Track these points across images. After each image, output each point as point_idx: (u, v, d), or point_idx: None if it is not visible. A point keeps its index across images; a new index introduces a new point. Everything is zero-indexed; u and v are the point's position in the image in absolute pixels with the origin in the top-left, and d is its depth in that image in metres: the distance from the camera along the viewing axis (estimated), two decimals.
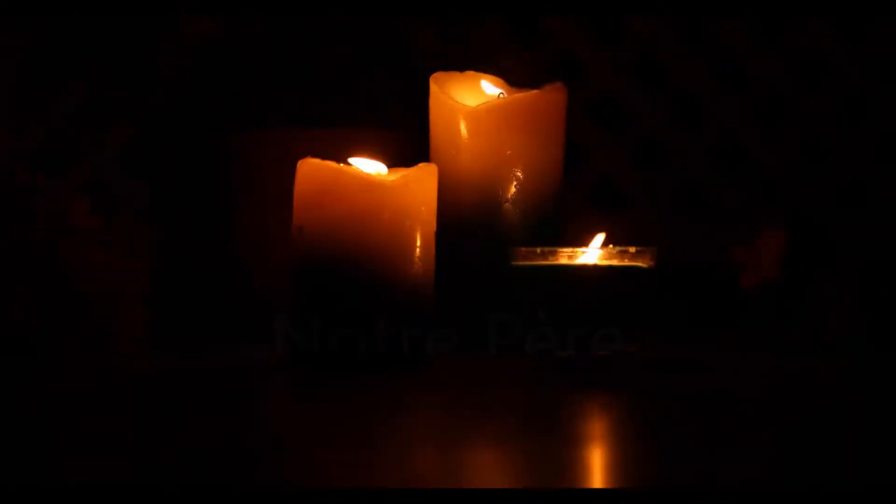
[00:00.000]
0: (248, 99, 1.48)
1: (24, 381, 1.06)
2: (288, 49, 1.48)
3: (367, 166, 1.11)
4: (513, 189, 1.21)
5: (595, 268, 1.08)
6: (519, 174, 1.21)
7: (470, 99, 1.24)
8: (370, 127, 1.45)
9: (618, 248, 1.09)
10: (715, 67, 1.63)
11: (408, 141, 1.40)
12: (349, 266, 1.07)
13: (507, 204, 1.21)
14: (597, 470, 0.71)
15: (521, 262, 1.10)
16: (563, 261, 1.09)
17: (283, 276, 1.15)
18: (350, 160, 1.11)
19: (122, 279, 1.22)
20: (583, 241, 1.10)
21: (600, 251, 1.09)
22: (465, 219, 1.21)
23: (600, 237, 1.09)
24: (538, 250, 1.10)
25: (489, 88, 1.25)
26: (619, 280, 1.08)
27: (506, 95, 1.24)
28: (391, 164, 1.12)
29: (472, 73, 1.26)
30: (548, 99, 1.22)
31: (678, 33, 1.63)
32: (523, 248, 1.11)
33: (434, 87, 1.23)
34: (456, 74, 1.26)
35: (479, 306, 1.22)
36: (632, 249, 1.09)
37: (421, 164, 1.11)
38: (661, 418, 0.88)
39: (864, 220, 1.61)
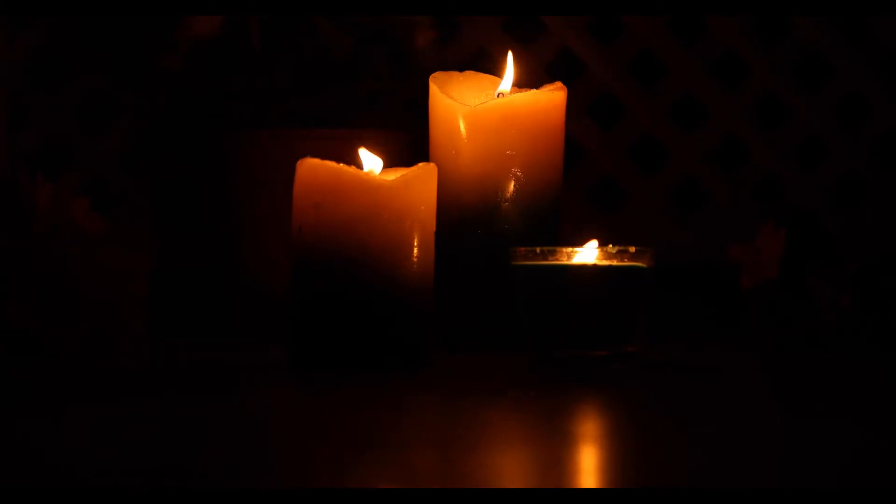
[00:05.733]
0: (248, 99, 1.48)
1: (23, 381, 1.06)
2: (287, 49, 1.48)
3: (371, 160, 1.11)
4: (512, 189, 1.21)
5: (595, 268, 1.08)
6: (519, 174, 1.21)
7: (470, 99, 1.24)
8: (370, 127, 1.45)
9: (618, 248, 1.09)
10: (715, 67, 1.63)
11: (408, 141, 1.40)
12: (349, 266, 1.07)
13: (506, 204, 1.21)
14: (596, 470, 0.71)
15: (520, 262, 1.11)
16: (563, 261, 1.09)
17: (282, 276, 1.15)
18: (360, 150, 1.11)
19: (122, 279, 1.22)
20: (582, 241, 1.10)
21: (598, 251, 1.09)
22: (464, 219, 1.22)
23: (593, 243, 1.09)
24: (538, 250, 1.10)
25: (509, 74, 1.23)
26: (619, 280, 1.08)
27: (506, 95, 1.24)
28: (391, 164, 1.12)
29: (471, 73, 1.26)
30: (548, 99, 1.22)
31: (678, 32, 1.63)
32: (523, 248, 1.11)
33: (434, 87, 1.23)
34: (456, 74, 1.26)
35: (479, 306, 1.22)
36: (632, 249, 1.09)
37: (421, 164, 1.11)
38: (660, 418, 0.88)
39: (863, 219, 1.61)
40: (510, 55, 1.24)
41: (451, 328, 1.22)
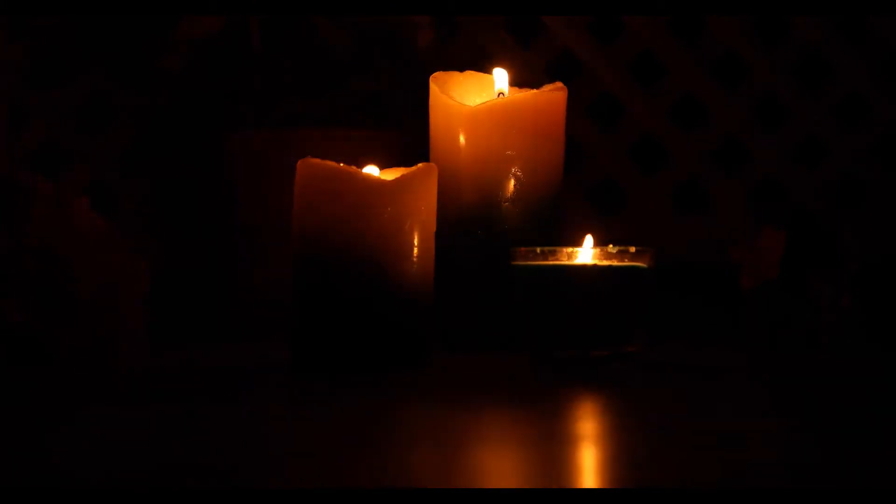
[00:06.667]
0: (248, 99, 1.48)
1: (24, 382, 1.06)
2: (287, 49, 1.48)
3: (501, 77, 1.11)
4: (513, 189, 1.21)
5: (595, 268, 1.08)
6: (519, 174, 1.21)
7: (470, 99, 1.24)
8: (370, 127, 1.45)
9: (618, 248, 1.09)
10: (715, 67, 1.63)
11: (408, 141, 1.40)
12: (349, 266, 1.07)
13: (506, 204, 1.21)
14: (596, 470, 0.71)
15: (520, 262, 1.10)
16: (563, 261, 1.09)
17: (282, 276, 1.15)
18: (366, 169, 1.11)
19: (123, 279, 1.22)
20: (582, 241, 1.10)
21: (596, 250, 1.09)
22: (464, 218, 1.22)
23: (589, 238, 1.09)
24: (538, 250, 1.10)
25: (502, 81, 1.24)
26: (619, 280, 1.08)
27: (506, 95, 1.24)
28: (391, 164, 1.12)
29: (472, 72, 1.26)
30: (548, 99, 1.22)
31: (678, 33, 1.63)
32: (523, 248, 1.11)
33: (434, 87, 1.23)
34: (456, 74, 1.26)
35: (479, 306, 1.22)
36: (632, 249, 1.09)
37: (421, 164, 1.11)
38: (660, 418, 0.88)
39: (863, 220, 1.61)
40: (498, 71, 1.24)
41: (451, 328, 1.22)
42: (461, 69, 1.26)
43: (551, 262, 1.09)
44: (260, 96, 1.48)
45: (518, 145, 1.21)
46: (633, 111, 1.62)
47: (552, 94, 1.22)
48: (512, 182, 1.21)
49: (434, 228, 1.10)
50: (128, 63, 1.54)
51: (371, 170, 1.11)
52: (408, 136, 1.42)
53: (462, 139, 1.21)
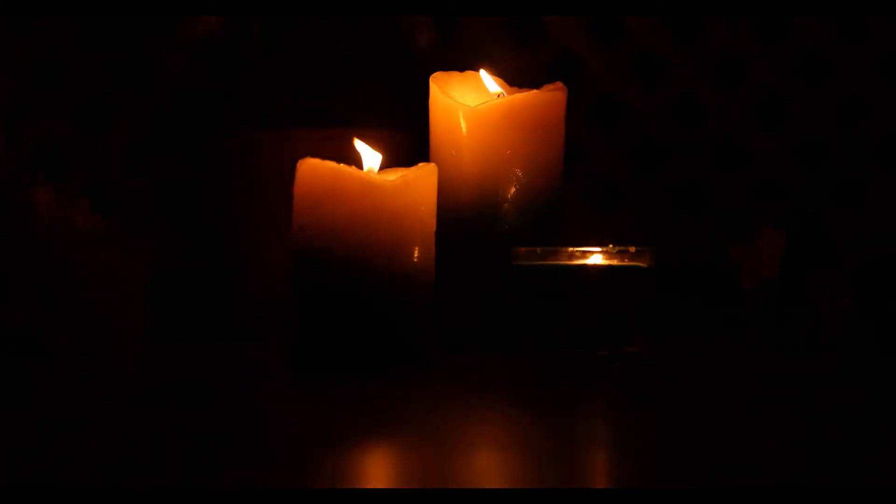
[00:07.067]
0: (248, 99, 1.48)
1: (24, 382, 1.06)
2: (287, 49, 1.48)
3: (368, 153, 1.11)
4: (513, 189, 1.21)
5: (595, 268, 1.08)
6: (519, 174, 1.22)
7: (470, 99, 1.24)
8: (370, 127, 1.45)
9: (618, 248, 1.09)
10: (715, 67, 1.63)
11: (408, 141, 1.40)
12: (349, 266, 1.07)
13: (506, 204, 1.22)
14: (597, 470, 0.71)
15: (521, 262, 1.10)
16: (563, 261, 1.09)
17: (282, 277, 1.15)
18: (355, 141, 1.11)
19: (122, 279, 1.22)
20: (582, 241, 1.10)
21: (598, 252, 1.09)
22: (464, 219, 1.22)
23: (598, 255, 1.09)
24: (538, 250, 1.10)
25: (490, 84, 1.25)
26: (619, 280, 1.08)
27: (506, 95, 1.24)
28: (391, 165, 1.12)
29: (472, 73, 1.26)
30: (548, 99, 1.22)
31: (678, 32, 1.63)
32: (523, 248, 1.11)
33: (434, 87, 1.23)
34: (456, 74, 1.26)
35: (479, 306, 1.22)
36: (632, 249, 1.09)
37: (421, 164, 1.11)
38: (660, 418, 0.88)
39: (863, 220, 1.61)
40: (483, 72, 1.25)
41: (451, 328, 1.22)
42: (461, 69, 1.26)
43: (551, 263, 1.09)
44: (260, 96, 1.48)
45: (518, 145, 1.21)
46: (633, 111, 1.62)
47: (552, 94, 1.22)
48: (512, 182, 1.22)
49: (434, 228, 1.10)
50: (128, 63, 1.54)
51: (368, 152, 1.11)
52: (408, 136, 1.42)
53: (462, 139, 1.21)
